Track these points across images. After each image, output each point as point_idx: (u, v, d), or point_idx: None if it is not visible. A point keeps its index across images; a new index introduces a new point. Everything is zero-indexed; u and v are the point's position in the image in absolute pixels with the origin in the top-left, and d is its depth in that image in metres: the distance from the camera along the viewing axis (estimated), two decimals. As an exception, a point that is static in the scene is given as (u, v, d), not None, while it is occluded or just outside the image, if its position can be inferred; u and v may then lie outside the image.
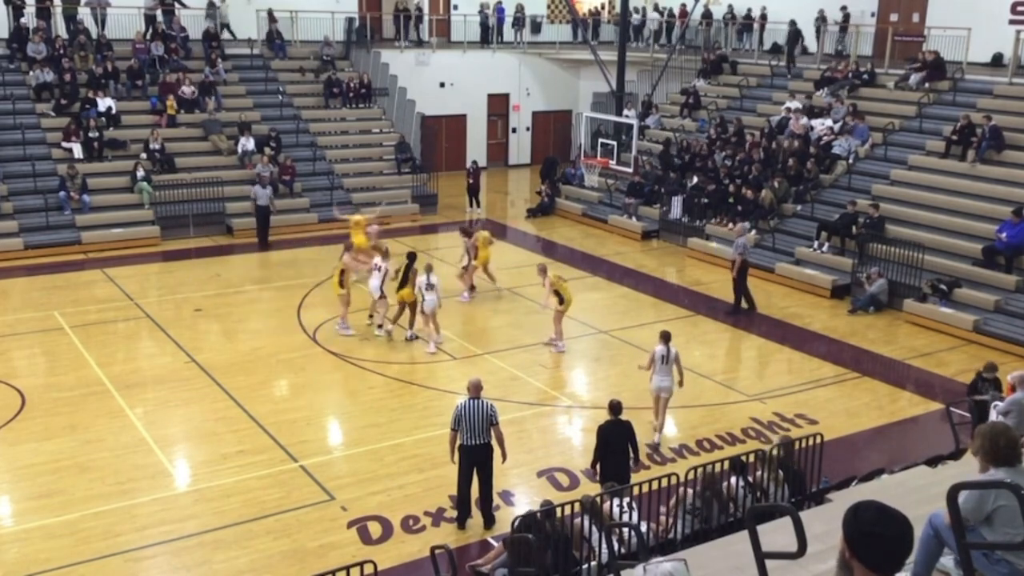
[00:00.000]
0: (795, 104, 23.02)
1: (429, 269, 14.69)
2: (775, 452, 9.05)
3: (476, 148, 30.44)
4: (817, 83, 23.82)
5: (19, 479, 10.63)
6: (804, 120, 22.37)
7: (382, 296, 15.24)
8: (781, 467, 8.97)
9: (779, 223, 20.36)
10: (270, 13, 26.72)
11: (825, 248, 18.92)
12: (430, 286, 14.49)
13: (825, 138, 21.78)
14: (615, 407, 9.84)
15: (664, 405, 11.87)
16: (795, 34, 25.37)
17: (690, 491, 8.61)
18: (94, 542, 9.30)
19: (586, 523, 8.10)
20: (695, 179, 22.31)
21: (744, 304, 16.89)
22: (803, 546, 3.59)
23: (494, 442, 9.66)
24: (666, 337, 11.85)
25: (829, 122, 22.18)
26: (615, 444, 9.77)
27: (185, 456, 11.42)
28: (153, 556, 9.18)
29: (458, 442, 9.60)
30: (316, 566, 8.50)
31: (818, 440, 9.57)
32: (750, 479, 8.88)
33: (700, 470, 8.73)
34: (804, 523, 3.63)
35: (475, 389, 9.73)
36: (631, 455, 9.88)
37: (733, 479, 8.82)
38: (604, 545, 7.62)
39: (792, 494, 9.01)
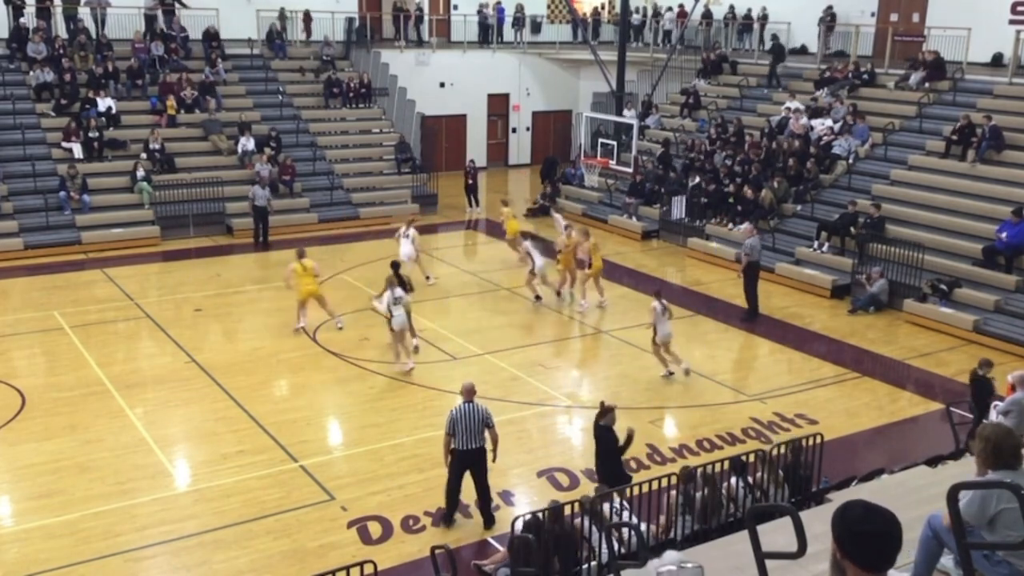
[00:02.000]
0: (795, 104, 23.02)
1: (394, 283, 13.86)
2: (781, 452, 9.05)
3: (476, 148, 30.43)
4: (817, 83, 23.82)
5: (19, 479, 10.63)
6: (804, 120, 22.37)
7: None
8: (786, 471, 8.97)
9: (779, 223, 20.36)
10: (307, 15, 27.30)
11: (825, 248, 18.92)
12: (397, 301, 13.58)
13: (825, 138, 21.78)
14: (602, 410, 9.80)
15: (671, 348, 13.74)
16: (779, 49, 25.34)
17: (673, 492, 8.63)
18: (94, 542, 9.30)
19: (586, 523, 8.10)
20: (696, 179, 22.30)
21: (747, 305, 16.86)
22: (803, 546, 3.59)
23: (487, 444, 9.65)
24: (658, 293, 13.88)
25: (829, 122, 22.19)
26: (610, 446, 9.71)
27: (185, 456, 11.42)
28: (153, 556, 9.18)
29: (452, 446, 9.58)
30: (316, 566, 8.50)
31: (818, 440, 9.57)
32: (750, 479, 8.88)
33: (699, 470, 8.73)
34: (804, 523, 3.63)
35: (468, 393, 9.70)
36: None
37: (733, 479, 8.82)
38: (604, 545, 7.62)
39: (792, 494, 9.01)
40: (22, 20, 23.83)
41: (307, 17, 27.57)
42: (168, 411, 12.46)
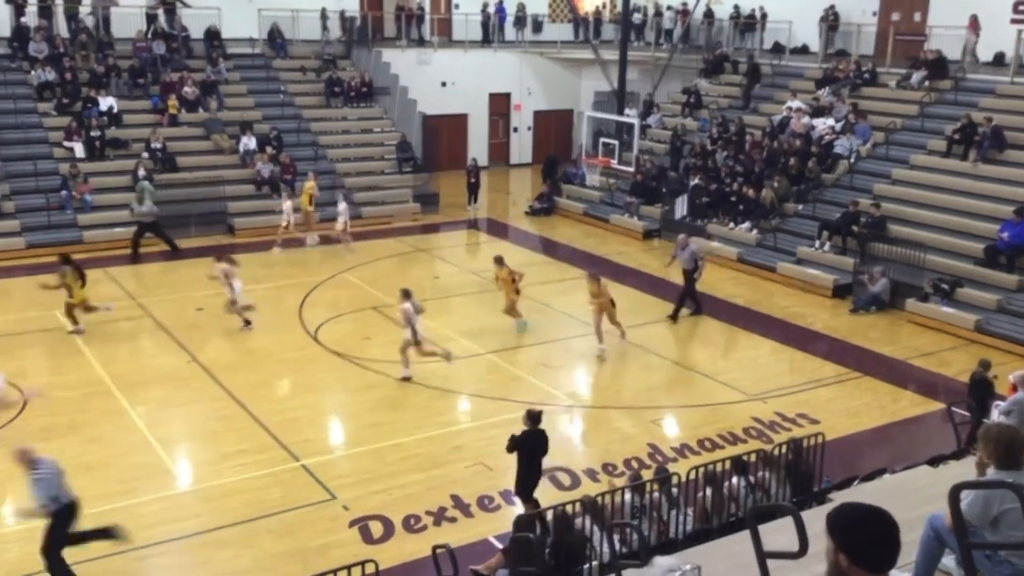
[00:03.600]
0: (796, 103, 23.00)
1: None
2: (783, 452, 9.05)
3: (477, 147, 30.43)
4: (819, 82, 23.81)
5: (21, 478, 10.62)
6: (806, 119, 22.36)
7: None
8: (788, 471, 8.97)
9: (780, 222, 20.34)
10: (344, 15, 27.48)
11: (827, 247, 18.91)
12: None
13: (827, 137, 21.78)
14: (536, 417, 9.57)
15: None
16: (755, 69, 25.34)
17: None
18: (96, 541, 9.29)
19: (587, 523, 8.11)
20: (696, 179, 22.28)
21: (689, 306, 16.60)
22: (804, 546, 3.59)
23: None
24: (408, 293, 13.30)
25: (831, 121, 22.18)
26: (538, 455, 9.49)
27: (187, 455, 11.44)
28: (155, 555, 9.20)
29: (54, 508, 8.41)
30: (318, 565, 8.48)
31: (820, 440, 9.57)
32: (752, 479, 8.88)
33: (699, 469, 8.72)
34: (806, 523, 3.63)
35: (23, 458, 8.45)
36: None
37: (735, 479, 8.83)
38: (605, 545, 7.62)
39: (794, 494, 9.01)
40: (23, 19, 23.84)
41: (344, 17, 27.81)
42: (170, 410, 12.47)
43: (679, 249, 16.62)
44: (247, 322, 15.37)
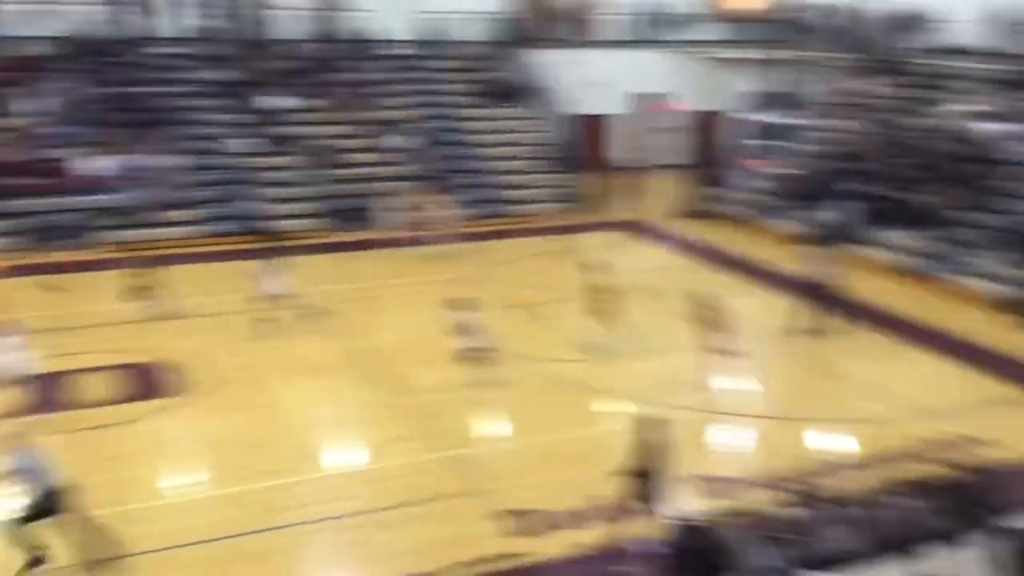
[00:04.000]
0: (968, 107, 21.66)
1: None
2: (954, 475, 8.63)
3: (624, 148, 30.23)
4: (994, 84, 22.30)
5: (194, 452, 11.44)
6: (979, 124, 21.03)
7: None
8: (964, 492, 8.53)
9: (950, 232, 19.21)
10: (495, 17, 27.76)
11: (1002, 259, 17.71)
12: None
13: (1001, 143, 20.40)
14: (654, 424, 9.05)
15: None
16: (916, 70, 23.72)
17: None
18: (261, 515, 9.85)
19: (735, 535, 7.96)
20: (858, 184, 21.35)
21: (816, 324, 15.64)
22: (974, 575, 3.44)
23: None
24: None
25: (1007, 126, 20.75)
26: (662, 464, 9.05)
27: (344, 439, 11.98)
28: (316, 532, 9.66)
29: None
30: (469, 554, 8.72)
31: (997, 464, 9.01)
32: (919, 502, 8.50)
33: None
34: (975, 552, 3.47)
35: None
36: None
37: (901, 499, 8.47)
38: (754, 558, 7.48)
39: (964, 520, 8.55)
40: (197, 20, 25.45)
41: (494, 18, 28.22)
42: (333, 395, 13.11)
43: (809, 259, 16.04)
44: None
